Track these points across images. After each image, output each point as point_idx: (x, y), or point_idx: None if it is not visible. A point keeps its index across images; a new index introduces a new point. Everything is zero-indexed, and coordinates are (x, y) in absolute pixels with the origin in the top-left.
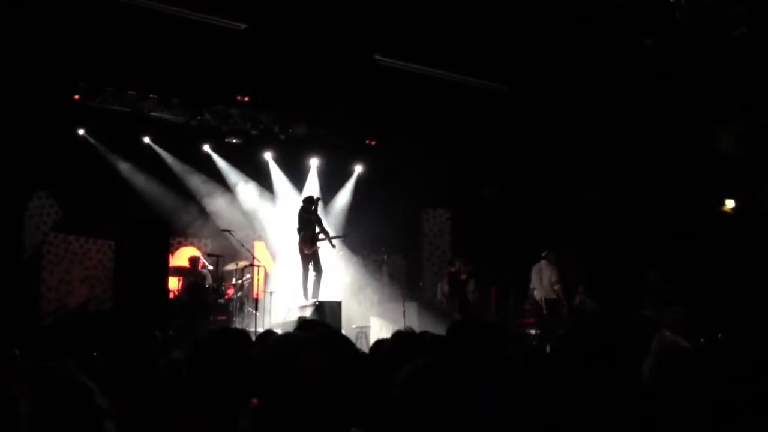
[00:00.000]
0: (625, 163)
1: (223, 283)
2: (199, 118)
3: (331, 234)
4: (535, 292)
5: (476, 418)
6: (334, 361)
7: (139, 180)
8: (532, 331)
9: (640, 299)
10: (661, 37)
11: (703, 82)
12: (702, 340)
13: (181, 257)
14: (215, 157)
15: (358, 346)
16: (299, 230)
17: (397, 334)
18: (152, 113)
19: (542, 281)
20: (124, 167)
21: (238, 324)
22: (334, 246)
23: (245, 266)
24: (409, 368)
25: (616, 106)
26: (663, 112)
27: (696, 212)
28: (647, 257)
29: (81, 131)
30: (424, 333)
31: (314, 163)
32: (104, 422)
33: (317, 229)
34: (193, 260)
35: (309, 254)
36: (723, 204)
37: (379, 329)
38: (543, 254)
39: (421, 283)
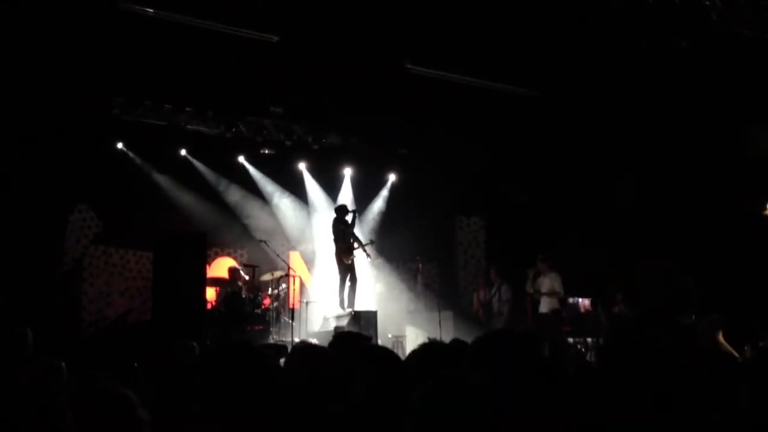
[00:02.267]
0: (658, 166)
1: (260, 294)
2: (233, 129)
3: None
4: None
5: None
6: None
7: (176, 192)
8: (570, 339)
9: (676, 306)
10: (695, 39)
11: (739, 83)
12: (746, 347)
13: (218, 268)
14: (250, 168)
15: None
16: (335, 241)
17: (423, 346)
18: (188, 126)
19: (544, 288)
20: (162, 180)
21: (274, 334)
22: (369, 255)
23: (281, 276)
24: (424, 387)
25: (650, 107)
26: (698, 114)
27: (732, 216)
28: (682, 263)
29: (119, 145)
30: (458, 342)
31: (348, 172)
32: None
33: (352, 240)
34: (233, 271)
35: (347, 265)
36: (765, 208)
37: (415, 338)
38: (541, 257)
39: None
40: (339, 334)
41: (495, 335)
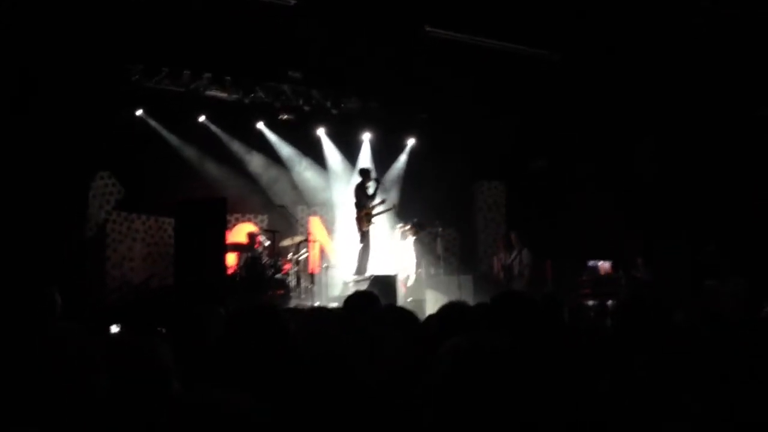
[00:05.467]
0: (678, 130)
1: (280, 259)
2: (252, 95)
3: (381, 208)
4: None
5: (517, 394)
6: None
7: (197, 158)
8: (590, 302)
9: (698, 271)
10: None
11: (761, 52)
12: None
13: (238, 233)
14: (269, 133)
15: None
16: (356, 206)
17: (444, 307)
18: (206, 92)
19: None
20: (181, 146)
21: (295, 298)
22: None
23: (301, 241)
24: (448, 346)
25: (671, 70)
26: (718, 81)
27: (755, 181)
28: (702, 228)
29: (139, 112)
30: (483, 306)
31: (367, 137)
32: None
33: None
34: (251, 235)
35: (366, 231)
36: None
37: (435, 302)
38: (416, 221)
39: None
40: (350, 296)
41: (516, 297)
